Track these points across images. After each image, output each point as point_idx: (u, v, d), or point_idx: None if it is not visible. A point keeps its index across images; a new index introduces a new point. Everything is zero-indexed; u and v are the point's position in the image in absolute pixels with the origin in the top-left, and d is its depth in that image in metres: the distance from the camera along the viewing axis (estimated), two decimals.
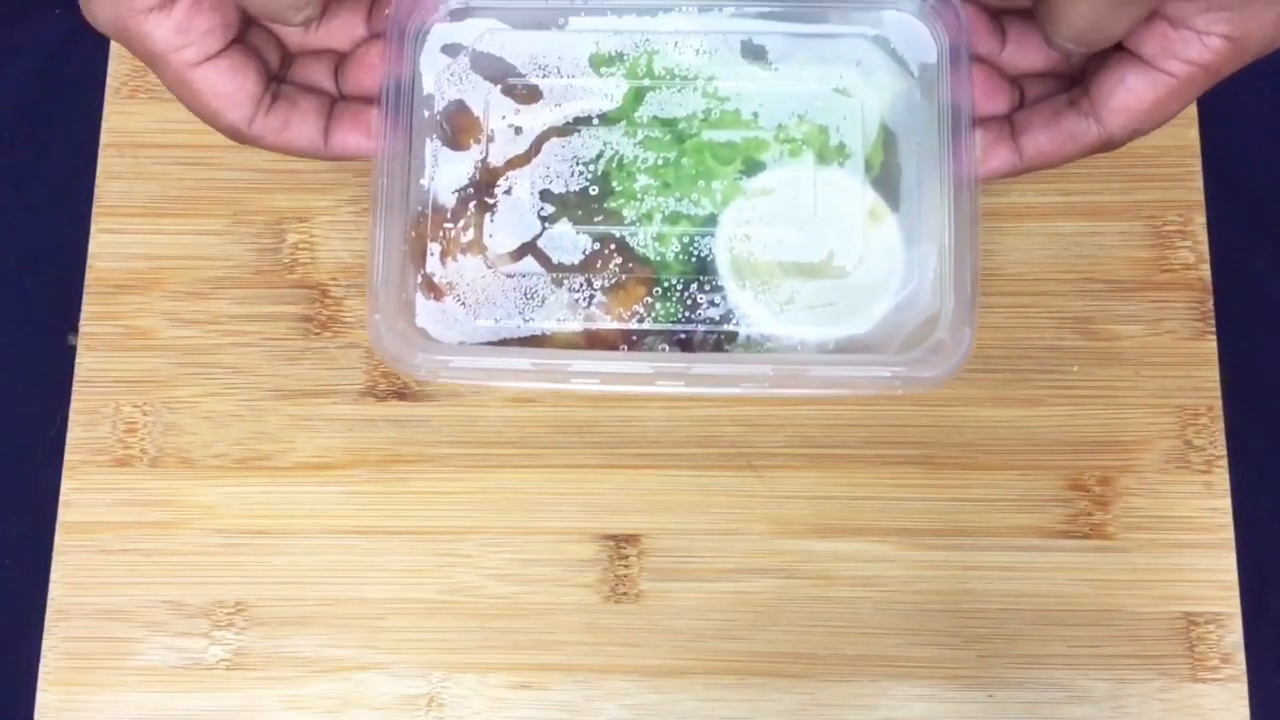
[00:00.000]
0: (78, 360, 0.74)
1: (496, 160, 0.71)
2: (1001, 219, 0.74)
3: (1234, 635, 0.69)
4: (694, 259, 0.70)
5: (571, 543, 0.71)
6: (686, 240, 0.70)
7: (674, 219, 0.70)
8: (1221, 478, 0.71)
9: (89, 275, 0.75)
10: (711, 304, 0.69)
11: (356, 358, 0.73)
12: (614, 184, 0.70)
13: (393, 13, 0.68)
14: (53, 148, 0.87)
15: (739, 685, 0.69)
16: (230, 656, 0.70)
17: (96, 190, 0.76)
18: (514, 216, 0.70)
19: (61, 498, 0.72)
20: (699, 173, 0.70)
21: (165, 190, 0.76)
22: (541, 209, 0.70)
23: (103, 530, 0.71)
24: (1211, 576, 0.70)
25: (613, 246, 0.70)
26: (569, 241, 0.70)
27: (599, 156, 0.71)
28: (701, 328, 0.69)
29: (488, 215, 0.70)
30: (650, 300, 0.69)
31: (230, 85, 0.64)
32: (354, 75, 0.68)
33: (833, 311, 0.68)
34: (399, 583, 0.70)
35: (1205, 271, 0.74)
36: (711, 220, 0.70)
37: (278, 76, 0.68)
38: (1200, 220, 0.75)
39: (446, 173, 0.70)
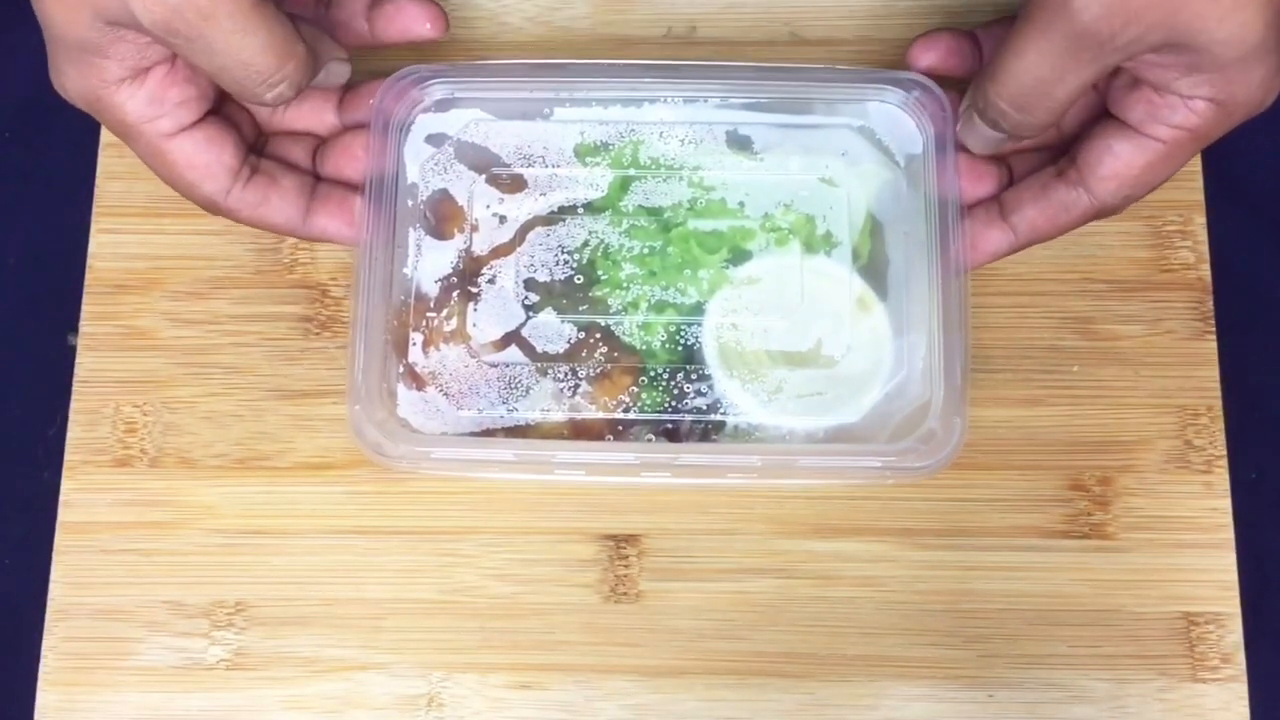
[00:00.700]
0: (78, 360, 0.74)
1: (480, 249, 0.70)
2: None
3: (1234, 635, 0.69)
4: (680, 348, 0.70)
5: (571, 543, 0.71)
6: (673, 329, 0.70)
7: (660, 308, 0.70)
8: (1221, 478, 0.71)
9: (89, 275, 0.75)
10: (699, 393, 0.69)
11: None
12: (599, 272, 0.70)
13: (377, 102, 0.69)
14: (53, 148, 0.87)
15: (739, 685, 0.69)
16: (230, 656, 0.70)
17: (96, 190, 0.76)
18: (498, 305, 0.70)
19: (61, 498, 0.72)
20: (685, 261, 0.70)
21: (165, 190, 0.75)
22: (526, 298, 0.70)
23: (103, 530, 0.71)
24: (1211, 576, 0.70)
25: (598, 335, 0.70)
26: (553, 330, 0.69)
27: (584, 245, 0.71)
28: (689, 417, 0.69)
29: (471, 304, 0.70)
30: (636, 389, 0.69)
31: (206, 157, 0.64)
32: (334, 160, 0.68)
33: (821, 401, 0.68)
34: (399, 583, 0.70)
35: (1205, 271, 0.74)
36: (698, 309, 0.70)
37: (255, 150, 0.67)
38: (1200, 220, 0.75)
39: (430, 261, 0.70)
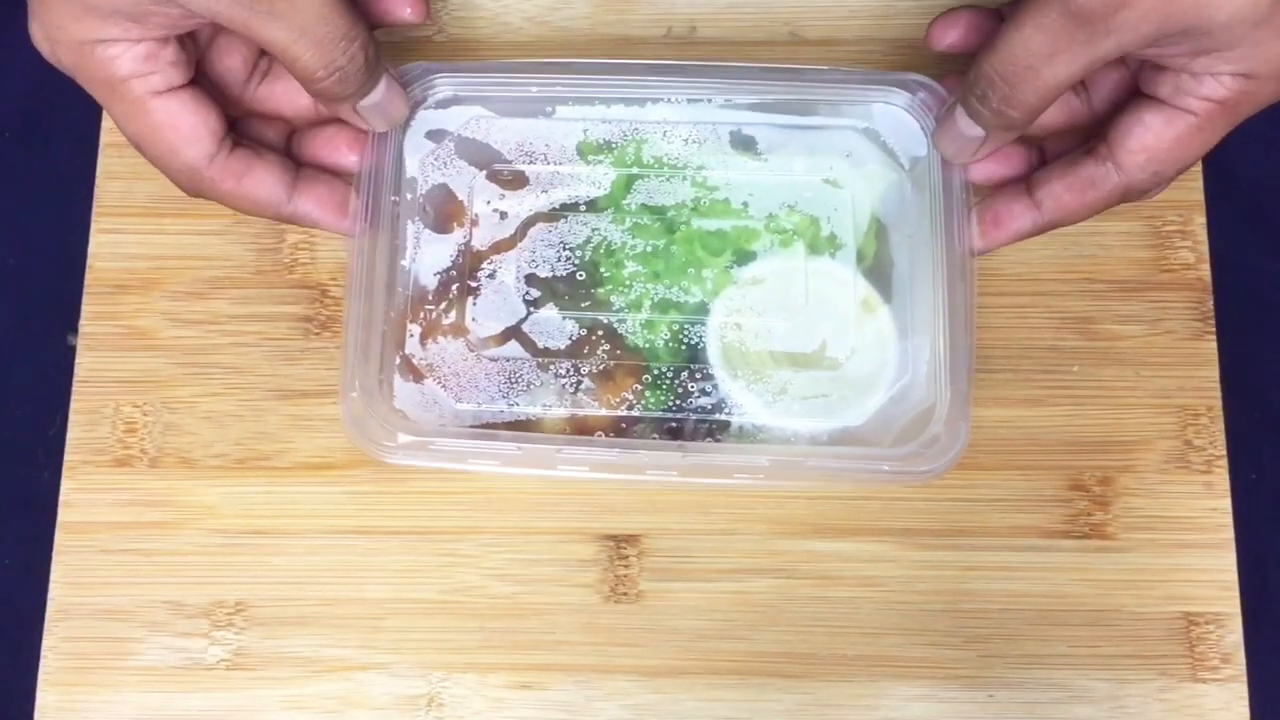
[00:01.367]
0: (78, 360, 0.74)
1: (481, 244, 0.70)
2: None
3: (1234, 635, 0.69)
4: (684, 348, 0.70)
5: (571, 543, 0.71)
6: (676, 329, 0.70)
7: (663, 307, 0.70)
8: (1221, 478, 0.71)
9: (89, 275, 0.75)
10: (702, 393, 0.69)
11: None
12: (602, 270, 0.70)
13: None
14: (53, 148, 0.87)
15: (739, 685, 0.69)
16: (230, 656, 0.70)
17: (96, 190, 0.76)
18: (498, 300, 0.69)
19: (61, 498, 0.72)
20: (689, 261, 0.70)
21: (165, 190, 0.75)
22: (527, 293, 0.70)
23: (103, 530, 0.71)
24: (1211, 576, 0.70)
25: (600, 333, 0.69)
26: (555, 327, 0.69)
27: (586, 243, 0.70)
28: (693, 417, 0.69)
29: (470, 299, 0.69)
30: (640, 388, 0.69)
31: (192, 119, 0.63)
32: (314, 147, 0.68)
33: (826, 403, 0.68)
34: (399, 583, 0.70)
35: (1205, 271, 0.74)
36: (702, 309, 0.70)
37: (230, 129, 0.66)
38: (1200, 220, 0.75)
39: (428, 255, 0.70)
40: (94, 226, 0.75)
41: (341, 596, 0.70)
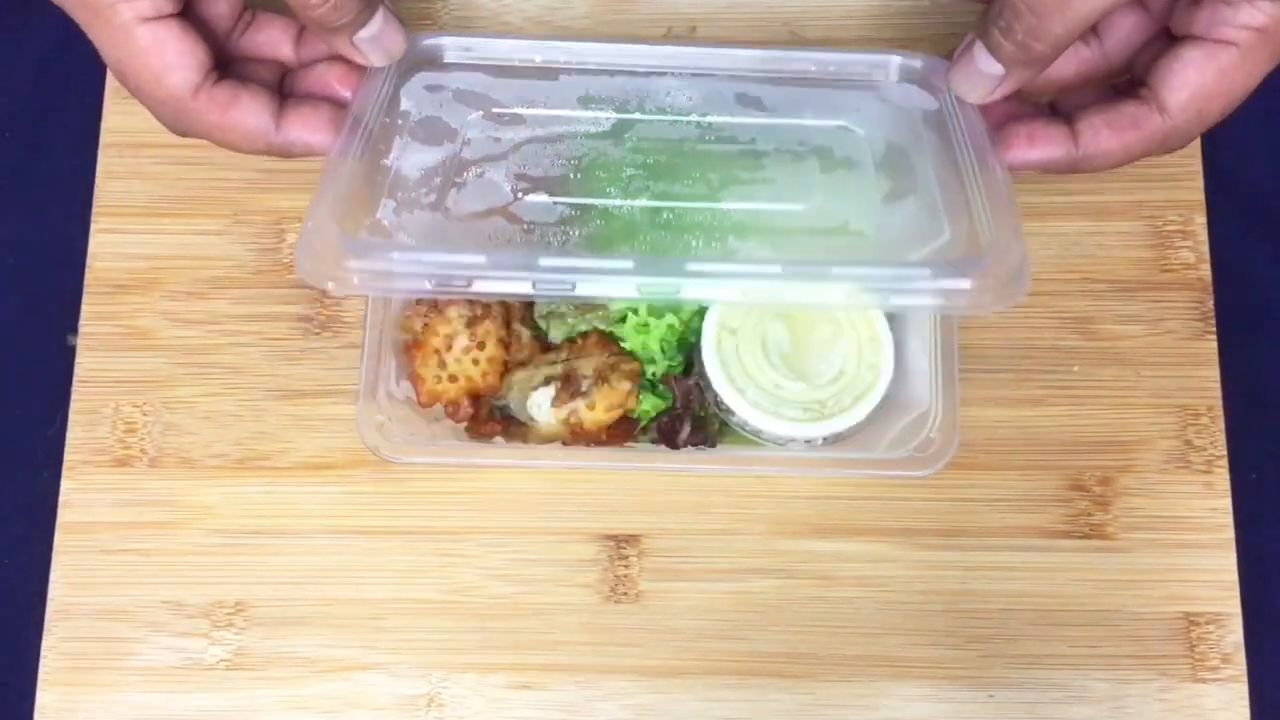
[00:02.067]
0: (77, 360, 0.74)
1: (471, 156, 0.66)
2: None
3: (1234, 635, 0.69)
4: (680, 353, 0.70)
5: (571, 543, 0.71)
6: (672, 334, 0.69)
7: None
8: (1221, 478, 0.71)
9: (89, 275, 0.75)
10: (698, 399, 0.69)
11: (356, 357, 0.73)
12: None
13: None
14: (53, 148, 0.87)
15: (739, 685, 0.69)
16: (230, 656, 0.70)
17: (96, 190, 0.76)
18: (484, 189, 0.65)
19: (61, 498, 0.72)
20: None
21: (165, 190, 0.76)
22: (517, 187, 0.65)
23: (102, 530, 0.71)
24: (1211, 576, 0.70)
25: (596, 218, 0.65)
26: (544, 209, 0.65)
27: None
28: (688, 423, 0.69)
29: (454, 189, 0.65)
30: (635, 393, 0.68)
31: (179, 46, 0.61)
32: (306, 84, 0.66)
33: (820, 408, 0.68)
34: (399, 583, 0.70)
35: (1205, 271, 0.74)
36: (698, 314, 0.68)
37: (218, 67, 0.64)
38: (1200, 220, 0.75)
39: (413, 159, 0.65)
40: (94, 226, 0.75)
41: (341, 596, 0.70)
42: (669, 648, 0.69)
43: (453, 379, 0.68)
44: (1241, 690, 0.69)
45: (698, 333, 0.70)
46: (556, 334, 0.70)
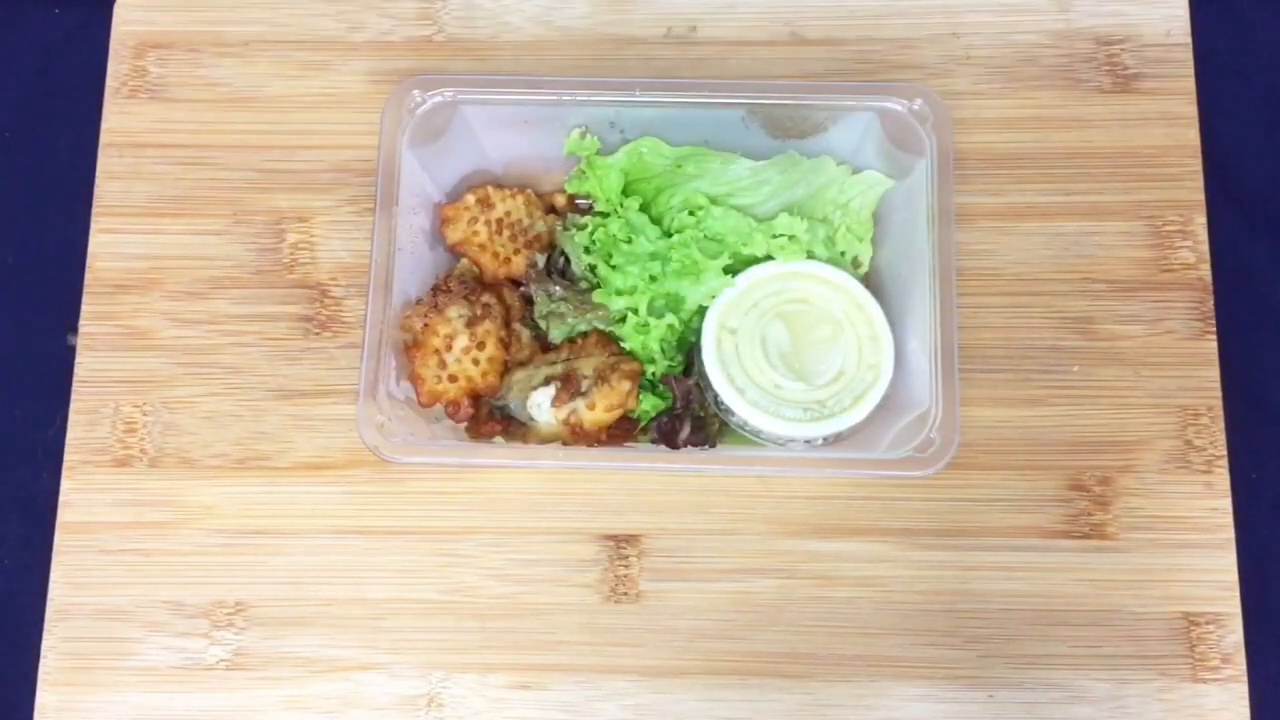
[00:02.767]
0: (78, 360, 0.74)
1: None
2: (1002, 219, 0.74)
3: (1234, 635, 0.69)
4: (680, 353, 0.70)
5: (571, 543, 0.71)
6: (673, 335, 0.70)
7: (660, 314, 0.70)
8: (1221, 478, 0.71)
9: (89, 275, 0.75)
10: (698, 399, 0.69)
11: (356, 357, 0.73)
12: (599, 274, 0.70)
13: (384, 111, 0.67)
14: (53, 148, 0.87)
15: (739, 685, 0.69)
16: (230, 656, 0.70)
17: (96, 190, 0.76)
18: None
19: (61, 498, 0.72)
20: (686, 268, 0.69)
21: (165, 190, 0.76)
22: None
23: (102, 530, 0.71)
24: (1211, 576, 0.70)
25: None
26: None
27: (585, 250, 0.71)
28: (689, 423, 0.69)
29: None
30: (636, 394, 0.69)
31: None
32: None
33: (820, 408, 0.68)
34: (399, 583, 0.70)
35: (1205, 271, 0.74)
36: (698, 313, 0.70)
37: None
38: (1200, 220, 0.75)
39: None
40: (94, 226, 0.75)
41: (341, 596, 0.70)
42: (669, 648, 0.69)
43: (453, 379, 0.68)
44: (1241, 690, 0.69)
45: (698, 333, 0.70)
46: (556, 334, 0.70)
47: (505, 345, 0.70)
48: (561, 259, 0.73)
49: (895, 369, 0.68)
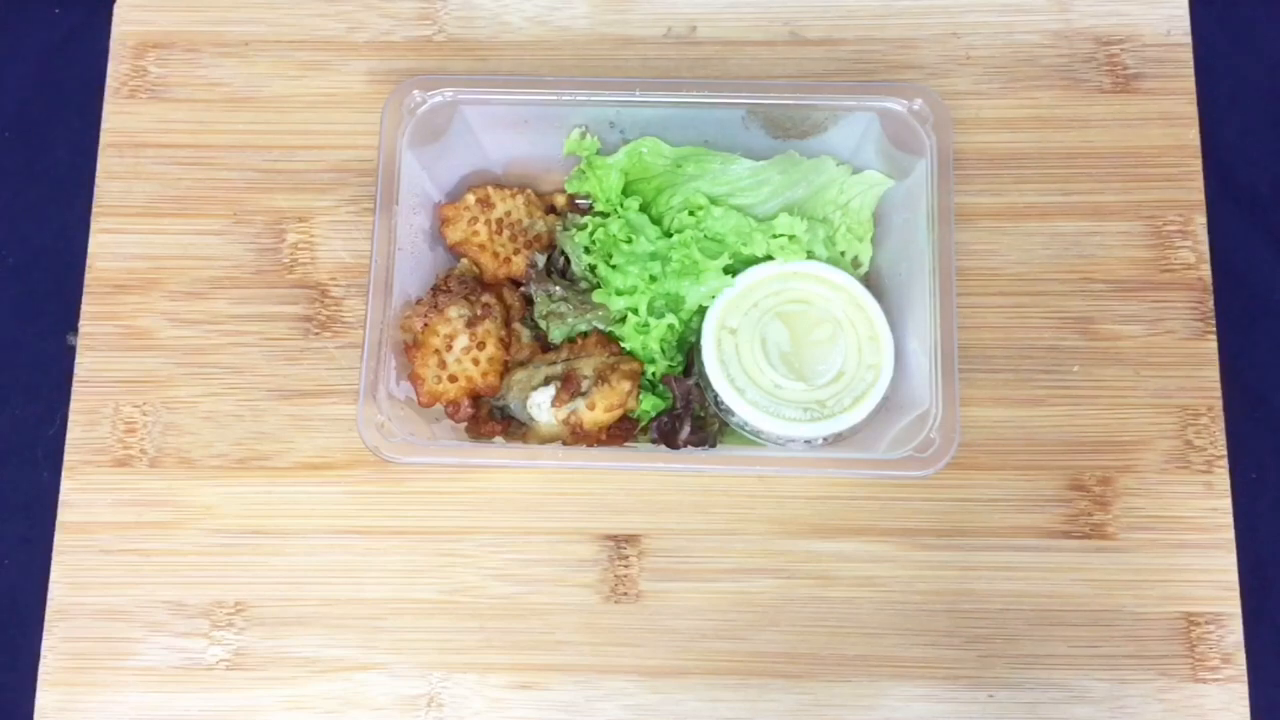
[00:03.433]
0: (78, 360, 0.74)
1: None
2: (1002, 219, 0.74)
3: (1234, 635, 0.69)
4: (680, 353, 0.70)
5: (571, 543, 0.71)
6: (673, 334, 0.70)
7: (660, 314, 0.70)
8: (1221, 478, 0.71)
9: (89, 275, 0.75)
10: (698, 398, 0.69)
11: (356, 357, 0.73)
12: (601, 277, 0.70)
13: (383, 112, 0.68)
14: (53, 148, 0.87)
15: (739, 685, 0.69)
16: (230, 657, 0.70)
17: (96, 190, 0.76)
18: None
19: (61, 498, 0.72)
20: (686, 268, 0.70)
21: (165, 190, 0.76)
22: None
23: (102, 530, 0.71)
24: (1211, 576, 0.70)
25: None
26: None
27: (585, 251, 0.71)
28: (689, 422, 0.69)
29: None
30: (636, 393, 0.69)
31: None
32: None
33: (820, 408, 0.68)
34: (399, 583, 0.70)
35: (1205, 271, 0.74)
36: (698, 313, 0.70)
37: None
38: (1200, 220, 0.75)
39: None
40: (94, 226, 0.75)
41: (341, 596, 0.70)
42: (669, 648, 0.69)
43: (453, 379, 0.68)
44: (1241, 690, 0.69)
45: (698, 333, 0.70)
46: (556, 334, 0.70)
47: (505, 345, 0.70)
48: (561, 259, 0.73)
49: (895, 369, 0.68)
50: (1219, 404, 0.72)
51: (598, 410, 0.67)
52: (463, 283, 0.70)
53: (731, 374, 0.68)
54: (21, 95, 0.89)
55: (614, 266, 0.70)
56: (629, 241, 0.70)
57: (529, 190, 0.74)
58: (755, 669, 0.69)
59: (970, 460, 0.71)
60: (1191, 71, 0.76)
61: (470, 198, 0.72)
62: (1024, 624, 0.70)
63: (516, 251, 0.72)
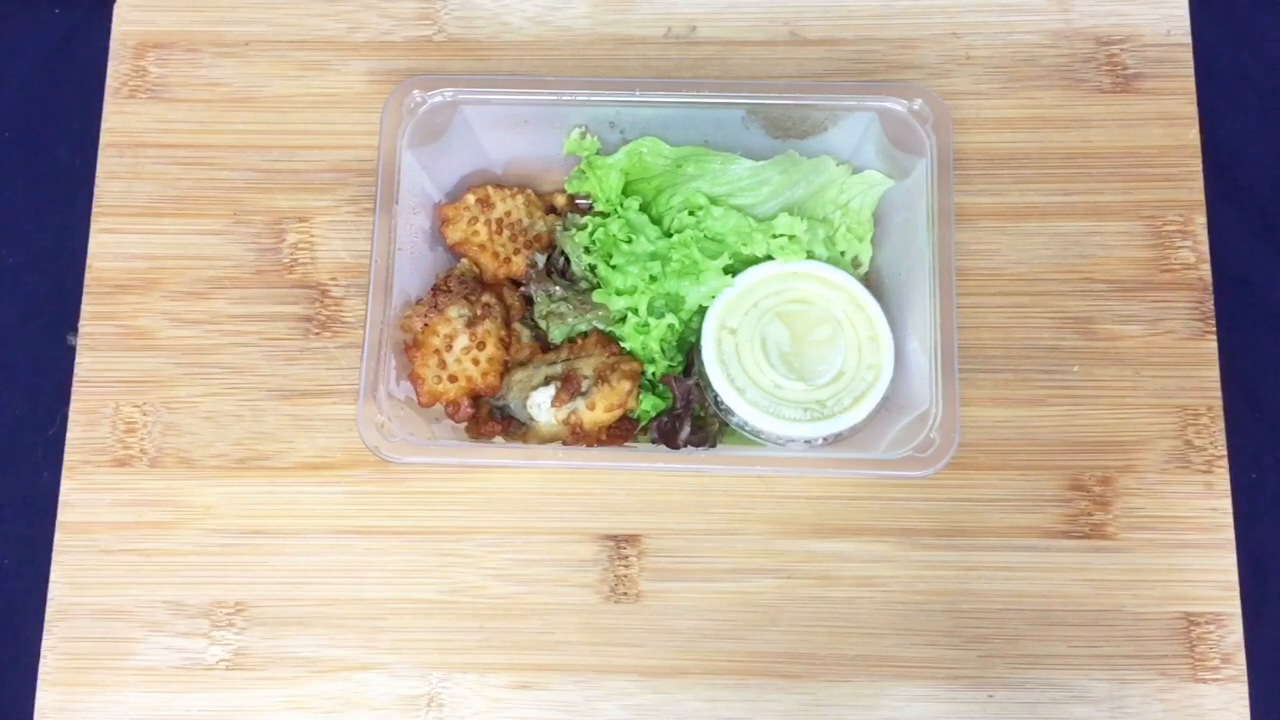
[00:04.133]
0: (78, 360, 0.74)
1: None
2: (1002, 219, 0.74)
3: (1234, 635, 0.69)
4: (680, 353, 0.70)
5: (571, 543, 0.71)
6: (673, 334, 0.70)
7: (660, 314, 0.70)
8: (1221, 478, 0.71)
9: (89, 275, 0.75)
10: (698, 398, 0.69)
11: (356, 357, 0.73)
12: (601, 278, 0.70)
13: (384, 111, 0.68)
14: (53, 148, 0.87)
15: (739, 685, 0.69)
16: (230, 657, 0.70)
17: (96, 190, 0.76)
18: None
19: (61, 498, 0.72)
20: (686, 268, 0.70)
21: (165, 190, 0.76)
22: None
23: (102, 530, 0.71)
24: (1211, 576, 0.70)
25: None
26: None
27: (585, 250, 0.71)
28: (688, 422, 0.69)
29: None
30: (636, 393, 0.69)
31: None
32: None
33: (821, 408, 0.68)
34: (399, 583, 0.70)
35: (1205, 271, 0.74)
36: (698, 313, 0.70)
37: None
38: (1200, 220, 0.75)
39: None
40: (94, 226, 0.75)
41: (341, 596, 0.70)
42: (669, 648, 0.69)
43: (453, 379, 0.68)
44: (1241, 690, 0.69)
45: (698, 333, 0.70)
46: (556, 334, 0.70)
47: (505, 345, 0.70)
48: (561, 259, 0.73)
49: (895, 369, 0.68)
50: (1219, 404, 0.72)
51: (598, 410, 0.67)
52: (463, 283, 0.70)
53: (731, 374, 0.68)
54: (21, 95, 0.89)
55: (614, 266, 0.70)
56: (629, 241, 0.70)
57: (529, 190, 0.74)
58: (755, 669, 0.69)
59: (970, 460, 0.71)
60: (1191, 71, 0.76)
61: (470, 198, 0.72)
62: (1024, 624, 0.70)
63: (516, 251, 0.72)
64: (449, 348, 0.69)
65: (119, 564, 0.71)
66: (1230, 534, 0.70)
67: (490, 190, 0.73)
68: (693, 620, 0.70)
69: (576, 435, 0.68)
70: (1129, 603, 0.70)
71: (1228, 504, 0.71)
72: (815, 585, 0.70)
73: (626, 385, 0.68)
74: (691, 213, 0.71)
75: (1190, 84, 0.76)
